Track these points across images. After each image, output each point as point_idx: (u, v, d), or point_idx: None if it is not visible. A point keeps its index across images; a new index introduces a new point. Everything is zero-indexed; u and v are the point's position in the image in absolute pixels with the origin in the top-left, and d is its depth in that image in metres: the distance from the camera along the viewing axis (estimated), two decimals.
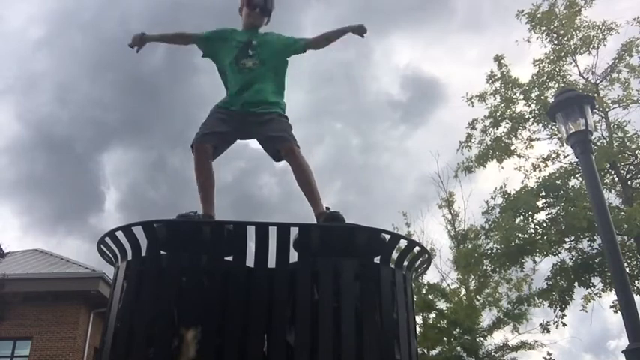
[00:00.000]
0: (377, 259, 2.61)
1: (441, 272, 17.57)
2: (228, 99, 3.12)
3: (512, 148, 12.91)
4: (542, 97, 12.55)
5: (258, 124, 2.99)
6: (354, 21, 3.14)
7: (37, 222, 39.31)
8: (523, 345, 15.71)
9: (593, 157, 5.24)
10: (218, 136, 2.98)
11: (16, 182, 37.59)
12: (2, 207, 34.59)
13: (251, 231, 2.48)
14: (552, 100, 6.44)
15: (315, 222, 2.83)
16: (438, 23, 39.77)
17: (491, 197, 12.67)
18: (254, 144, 3.26)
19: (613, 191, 12.07)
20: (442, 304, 16.31)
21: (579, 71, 12.97)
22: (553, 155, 12.71)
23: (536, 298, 13.26)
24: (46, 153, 40.68)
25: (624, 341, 4.37)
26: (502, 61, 13.12)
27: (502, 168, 13.05)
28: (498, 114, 12.92)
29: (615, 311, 11.13)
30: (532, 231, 11.74)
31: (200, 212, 2.87)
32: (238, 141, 3.16)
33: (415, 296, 8.69)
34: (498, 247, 11.95)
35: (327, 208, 2.84)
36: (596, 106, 7.94)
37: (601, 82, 12.65)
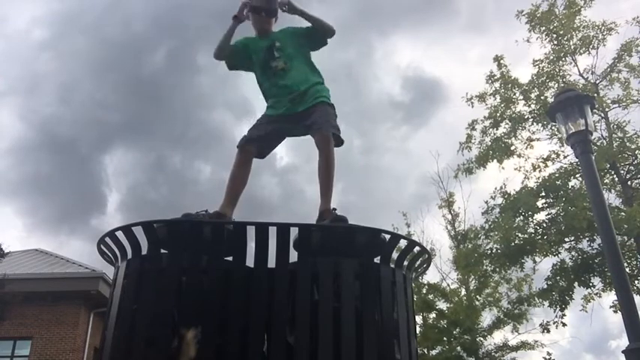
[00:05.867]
0: (377, 260, 2.61)
1: (441, 272, 17.59)
2: (271, 105, 3.15)
3: (512, 148, 12.89)
4: (542, 98, 12.55)
5: (303, 119, 3.04)
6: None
7: (41, 222, 39.32)
8: (523, 345, 15.70)
9: (593, 157, 5.24)
10: (262, 138, 3.06)
11: (19, 183, 37.59)
12: (6, 207, 34.66)
13: (251, 231, 2.48)
14: (552, 100, 6.44)
15: (318, 213, 2.83)
16: (439, 24, 39.77)
17: (491, 197, 12.68)
18: None
19: (613, 191, 12.06)
20: (442, 304, 16.33)
21: (579, 71, 12.99)
22: (553, 155, 12.70)
23: (536, 298, 13.26)
24: (49, 154, 40.69)
25: (625, 341, 4.36)
26: (502, 61, 13.13)
27: (502, 168, 13.05)
28: (498, 114, 12.91)
29: (615, 311, 11.13)
30: (532, 231, 11.73)
31: (211, 211, 2.86)
32: None
33: (415, 296, 8.69)
34: (498, 247, 11.94)
35: (333, 209, 2.84)
36: (596, 106, 7.93)
37: (601, 82, 12.64)
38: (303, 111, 3.03)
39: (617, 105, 12.21)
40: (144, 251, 2.55)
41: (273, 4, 3.24)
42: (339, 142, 3.06)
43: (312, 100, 3.04)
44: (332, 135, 2.97)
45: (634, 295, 5.13)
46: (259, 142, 3.07)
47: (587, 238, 11.42)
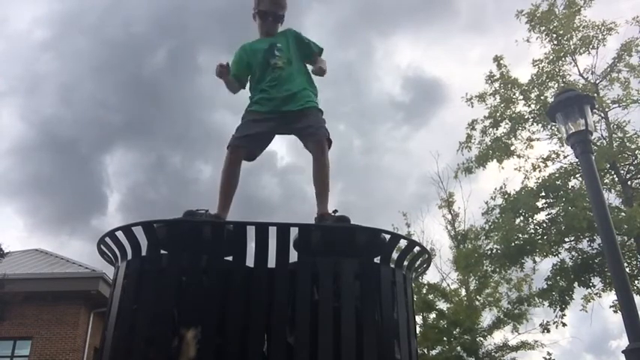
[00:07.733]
0: (377, 260, 2.61)
1: (441, 272, 17.60)
2: (258, 100, 3.12)
3: (512, 148, 12.91)
4: (542, 98, 12.56)
5: (295, 120, 3.04)
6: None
7: (41, 222, 39.28)
8: (523, 345, 15.70)
9: (593, 157, 5.24)
10: (252, 138, 3.02)
11: (20, 183, 37.57)
12: (7, 207, 34.65)
13: (251, 231, 2.48)
14: (552, 100, 6.44)
15: (318, 216, 2.83)
16: (439, 24, 39.75)
17: (491, 197, 12.71)
18: None
19: (613, 191, 12.07)
20: (442, 305, 16.33)
21: (579, 71, 13.00)
22: (553, 155, 12.71)
23: (536, 298, 13.27)
24: (49, 154, 40.64)
25: (625, 341, 4.36)
26: (501, 61, 13.14)
27: (502, 168, 13.06)
28: (498, 114, 12.92)
29: (615, 311, 11.13)
30: (532, 231, 11.74)
31: (212, 211, 2.86)
32: None
33: (415, 296, 8.68)
34: (498, 247, 11.95)
35: (334, 210, 2.84)
36: (596, 106, 7.93)
37: (601, 82, 12.65)
38: (295, 111, 3.03)
39: (617, 105, 12.23)
40: (144, 251, 2.55)
41: (281, 10, 3.30)
42: (330, 145, 3.09)
43: (304, 103, 3.05)
44: (324, 136, 3.01)
45: (634, 295, 5.13)
46: (250, 143, 3.03)
47: (587, 238, 11.44)
